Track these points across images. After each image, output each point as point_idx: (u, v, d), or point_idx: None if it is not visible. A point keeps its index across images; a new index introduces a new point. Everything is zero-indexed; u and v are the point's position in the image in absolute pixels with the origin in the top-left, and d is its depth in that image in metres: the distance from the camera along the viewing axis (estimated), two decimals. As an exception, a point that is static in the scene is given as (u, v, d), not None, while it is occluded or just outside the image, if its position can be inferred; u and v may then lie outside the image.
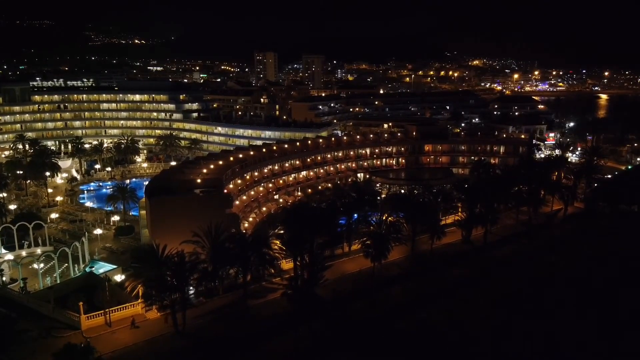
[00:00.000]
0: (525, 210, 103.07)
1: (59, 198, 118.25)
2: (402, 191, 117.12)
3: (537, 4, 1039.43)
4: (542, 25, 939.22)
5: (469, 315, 67.23)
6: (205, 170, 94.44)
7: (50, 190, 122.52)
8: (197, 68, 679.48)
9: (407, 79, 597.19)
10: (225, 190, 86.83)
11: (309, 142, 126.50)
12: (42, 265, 75.27)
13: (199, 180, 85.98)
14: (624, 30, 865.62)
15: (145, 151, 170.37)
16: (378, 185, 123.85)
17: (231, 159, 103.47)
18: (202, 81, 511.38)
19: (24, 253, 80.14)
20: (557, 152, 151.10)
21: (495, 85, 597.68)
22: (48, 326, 57.69)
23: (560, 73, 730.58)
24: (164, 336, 57.38)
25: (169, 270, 58.12)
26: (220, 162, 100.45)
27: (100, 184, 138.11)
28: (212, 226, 66.86)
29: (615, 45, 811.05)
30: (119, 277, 70.42)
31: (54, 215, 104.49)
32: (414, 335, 61.98)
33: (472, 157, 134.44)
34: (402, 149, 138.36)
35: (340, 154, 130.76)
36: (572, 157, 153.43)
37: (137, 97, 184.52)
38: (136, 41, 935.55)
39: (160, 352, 54.46)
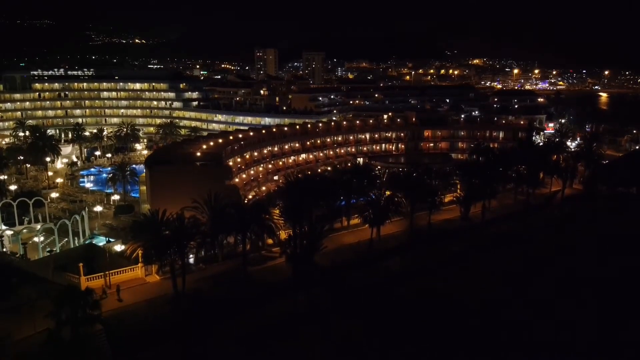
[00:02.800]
0: (523, 191, 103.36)
1: (59, 180, 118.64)
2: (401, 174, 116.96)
3: (537, 4, 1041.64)
4: (543, 25, 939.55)
5: (466, 284, 67.53)
6: (205, 147, 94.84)
7: (50, 174, 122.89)
8: (198, 67, 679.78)
9: (408, 77, 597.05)
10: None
11: (309, 125, 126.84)
12: (42, 239, 75.51)
13: (198, 154, 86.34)
14: (625, 31, 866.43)
15: (145, 140, 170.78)
16: (378, 168, 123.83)
17: (231, 137, 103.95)
18: (202, 78, 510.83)
19: (24, 229, 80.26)
20: (557, 140, 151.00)
21: (495, 83, 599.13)
22: (48, 288, 57.87)
23: (561, 72, 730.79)
24: (164, 297, 57.64)
25: (168, 231, 58.32)
26: (220, 140, 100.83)
27: (101, 169, 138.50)
28: (211, 195, 67.13)
29: (615, 46, 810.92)
30: (119, 247, 70.66)
31: (54, 195, 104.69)
32: (414, 301, 62.28)
33: (471, 144, 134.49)
34: (402, 134, 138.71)
35: (339, 139, 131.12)
36: (572, 145, 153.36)
37: (137, 85, 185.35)
38: (136, 41, 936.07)
39: (160, 312, 54.65)
